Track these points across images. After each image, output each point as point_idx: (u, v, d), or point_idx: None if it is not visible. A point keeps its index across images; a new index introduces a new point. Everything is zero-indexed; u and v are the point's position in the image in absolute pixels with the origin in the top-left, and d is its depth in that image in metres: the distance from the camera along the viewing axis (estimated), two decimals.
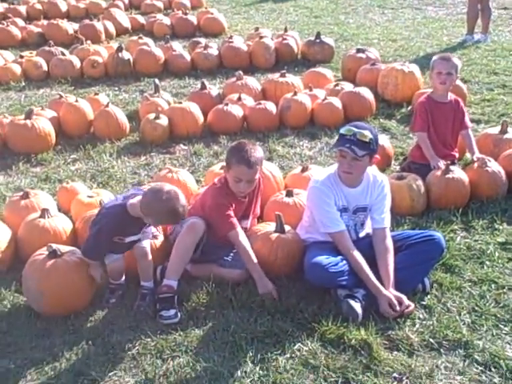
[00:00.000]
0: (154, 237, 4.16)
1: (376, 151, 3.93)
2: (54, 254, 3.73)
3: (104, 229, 3.66)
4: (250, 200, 4.27)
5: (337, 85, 7.29)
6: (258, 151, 4.08)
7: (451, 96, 5.37)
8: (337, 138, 4.00)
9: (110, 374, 3.29)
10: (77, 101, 6.68)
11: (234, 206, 4.11)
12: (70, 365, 3.36)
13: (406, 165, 5.45)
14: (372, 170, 4.07)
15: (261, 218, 4.56)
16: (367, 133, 3.81)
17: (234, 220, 4.07)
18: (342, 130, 3.90)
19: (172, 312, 3.70)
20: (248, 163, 3.97)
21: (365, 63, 7.99)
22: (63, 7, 12.76)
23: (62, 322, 3.70)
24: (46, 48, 9.18)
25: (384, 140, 5.61)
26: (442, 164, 4.98)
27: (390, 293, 3.72)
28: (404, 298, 3.72)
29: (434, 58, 5.41)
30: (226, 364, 3.33)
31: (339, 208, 3.98)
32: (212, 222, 4.07)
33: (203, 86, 7.20)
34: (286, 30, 9.94)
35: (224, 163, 4.34)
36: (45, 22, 11.25)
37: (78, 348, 3.49)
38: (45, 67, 8.76)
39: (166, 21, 11.35)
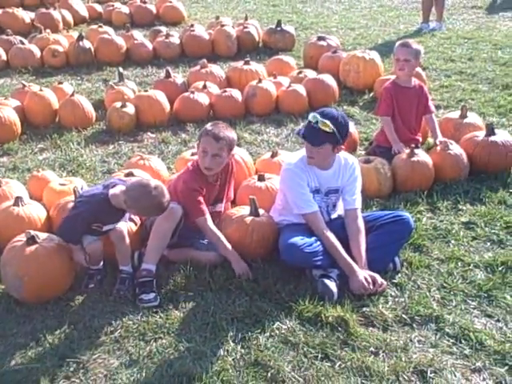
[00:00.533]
0: (131, 220, 4.21)
1: (340, 141, 3.99)
2: (32, 240, 3.74)
3: (84, 215, 3.73)
4: (222, 184, 4.34)
5: (300, 72, 7.39)
6: (228, 131, 4.16)
7: (415, 81, 5.52)
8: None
9: (95, 357, 3.34)
10: (41, 90, 6.63)
11: (204, 190, 4.17)
12: (53, 349, 3.40)
13: (372, 149, 5.59)
14: (343, 153, 4.19)
15: (233, 203, 4.64)
16: (329, 123, 3.88)
17: (203, 207, 4.14)
18: (310, 116, 3.99)
19: (152, 295, 3.76)
20: (214, 135, 4.05)
21: (326, 51, 8.11)
22: None
23: (42, 307, 3.73)
24: (4, 37, 9.03)
25: (350, 126, 5.72)
26: (403, 149, 5.13)
27: (363, 272, 3.85)
28: (377, 276, 3.85)
29: (397, 45, 5.55)
30: (208, 344, 3.41)
31: (312, 189, 4.08)
32: (183, 206, 4.14)
33: (168, 75, 7.22)
34: (246, 19, 9.99)
35: (194, 150, 4.40)
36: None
37: (60, 332, 3.52)
38: (3, 56, 8.63)
39: (125, 9, 11.26)
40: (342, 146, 4.07)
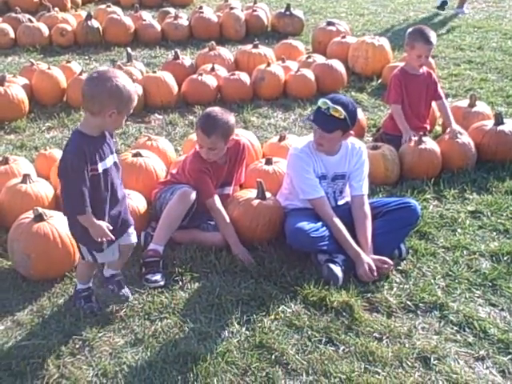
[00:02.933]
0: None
1: (350, 127, 3.99)
2: (39, 217, 3.75)
3: (71, 165, 3.06)
4: (231, 167, 4.34)
5: (309, 57, 7.36)
6: (222, 119, 4.03)
7: (424, 68, 5.49)
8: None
9: (100, 335, 3.37)
10: (49, 68, 6.62)
11: (210, 171, 4.17)
12: (59, 326, 3.42)
13: (379, 136, 5.58)
14: (350, 138, 4.17)
15: (240, 186, 4.64)
16: (341, 109, 3.87)
17: (211, 187, 4.15)
18: (320, 102, 3.97)
19: (158, 276, 3.77)
20: (204, 130, 4.03)
21: (335, 36, 8.07)
22: None
23: (48, 284, 3.75)
24: (13, 14, 9.01)
25: (358, 112, 5.72)
26: (413, 137, 5.11)
27: (369, 257, 3.86)
28: (385, 258, 3.87)
29: (413, 31, 5.41)
30: (213, 325, 3.43)
31: (318, 175, 4.08)
32: (195, 188, 4.14)
33: (176, 56, 7.20)
34: (255, 2, 9.93)
35: None
36: None
37: (66, 310, 3.55)
38: (12, 34, 8.61)
39: None
40: (352, 132, 4.06)
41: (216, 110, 4.16)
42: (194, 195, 4.02)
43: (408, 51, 5.45)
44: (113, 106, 3.03)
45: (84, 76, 6.49)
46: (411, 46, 5.32)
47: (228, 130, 4.08)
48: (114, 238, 3.27)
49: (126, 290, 3.66)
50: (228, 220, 4.09)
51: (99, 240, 3.23)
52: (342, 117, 3.87)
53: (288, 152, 4.28)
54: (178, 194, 3.99)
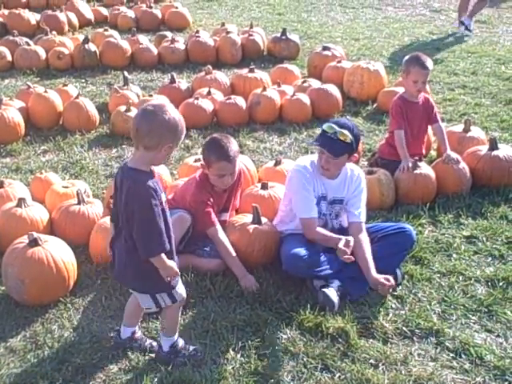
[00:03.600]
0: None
1: (355, 150, 4.04)
2: (34, 242, 3.74)
3: (148, 203, 2.97)
4: (229, 194, 4.35)
5: (304, 81, 7.40)
6: (233, 144, 4.14)
7: (422, 95, 5.51)
8: (319, 132, 4.11)
9: (94, 362, 3.35)
10: (46, 91, 6.64)
11: (212, 200, 4.17)
12: (53, 353, 3.41)
13: (374, 160, 5.60)
14: (349, 164, 4.18)
15: (236, 210, 4.63)
16: (348, 133, 3.90)
17: (213, 217, 4.15)
18: (325, 127, 3.98)
19: None
20: (228, 158, 4.04)
21: (331, 61, 8.11)
22: None
23: (42, 310, 3.74)
24: (10, 37, 9.04)
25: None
26: (410, 165, 5.11)
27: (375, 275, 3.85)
28: (389, 277, 3.85)
29: (409, 59, 5.38)
30: (208, 351, 3.41)
31: (318, 195, 4.09)
32: (193, 216, 4.15)
33: (172, 80, 7.23)
34: (251, 26, 10.00)
35: (197, 156, 4.38)
36: (5, 12, 11.04)
37: (60, 336, 3.53)
38: (9, 57, 8.63)
39: (131, 13, 11.24)
40: (356, 155, 4.09)
41: (220, 137, 4.17)
42: (189, 220, 4.02)
43: (404, 78, 5.43)
44: (170, 140, 3.01)
45: (81, 99, 6.54)
46: (407, 71, 5.31)
47: (238, 151, 4.22)
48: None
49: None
50: (232, 251, 4.06)
51: (168, 280, 3.11)
52: (349, 141, 3.90)
53: (284, 176, 4.29)
54: (174, 218, 3.97)
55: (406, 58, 5.47)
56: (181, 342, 3.37)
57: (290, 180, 4.19)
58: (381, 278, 3.80)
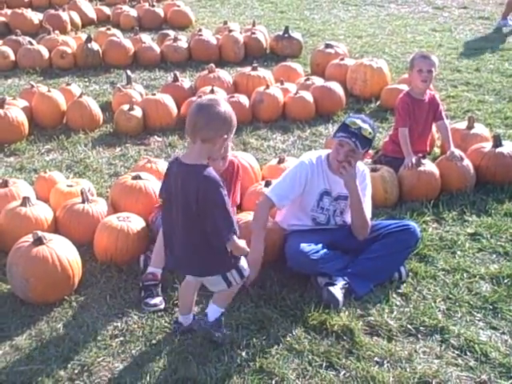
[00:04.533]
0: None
1: (371, 146, 4.07)
2: (39, 241, 3.75)
3: (223, 190, 3.14)
4: (227, 187, 4.32)
5: (307, 79, 7.40)
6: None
7: (428, 93, 5.50)
8: (339, 126, 4.10)
9: (99, 360, 3.35)
10: (49, 91, 6.65)
11: None
12: (58, 351, 3.40)
13: (378, 158, 5.59)
14: None
15: (239, 209, 4.63)
16: (370, 129, 3.92)
17: None
18: (347, 121, 3.97)
19: (157, 299, 3.76)
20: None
21: (333, 58, 8.11)
22: None
23: (47, 309, 3.74)
24: (13, 37, 9.05)
25: None
26: (414, 162, 5.11)
27: None
28: None
29: (413, 55, 5.51)
30: (213, 349, 3.41)
31: (321, 190, 4.09)
32: None
33: (175, 78, 7.24)
34: (254, 25, 10.00)
35: None
36: (8, 12, 11.05)
37: (65, 334, 3.53)
38: (12, 57, 8.64)
39: (133, 12, 11.27)
40: (370, 152, 4.09)
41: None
42: None
43: (410, 73, 5.50)
44: (225, 131, 3.14)
45: (84, 98, 6.55)
46: (411, 65, 5.40)
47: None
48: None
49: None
50: None
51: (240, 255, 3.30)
52: (371, 137, 3.92)
53: None
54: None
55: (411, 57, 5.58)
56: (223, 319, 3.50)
57: (293, 166, 4.19)
58: None
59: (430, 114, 5.46)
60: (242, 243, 3.24)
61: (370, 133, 3.90)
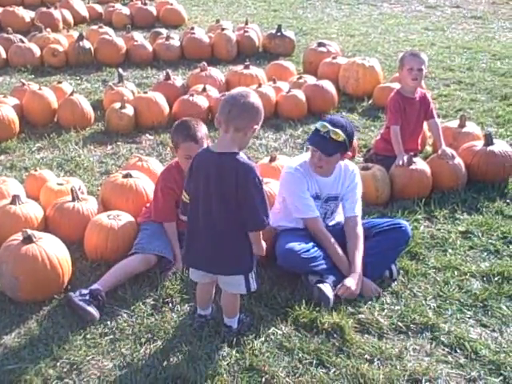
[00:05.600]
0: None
1: (348, 149, 4.02)
2: (28, 239, 3.73)
3: (259, 177, 3.22)
4: None
5: (300, 78, 7.40)
6: (201, 126, 4.18)
7: (419, 91, 5.50)
8: (312, 131, 4.09)
9: (88, 358, 3.34)
10: (40, 89, 6.62)
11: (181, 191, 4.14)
12: (47, 349, 3.39)
13: (369, 156, 5.59)
14: (344, 160, 4.18)
15: None
16: (341, 132, 3.88)
17: (173, 212, 4.18)
18: (318, 125, 3.97)
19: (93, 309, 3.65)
20: (195, 139, 4.06)
21: (326, 57, 8.11)
22: None
23: (36, 307, 3.72)
24: (5, 35, 9.03)
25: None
26: (406, 160, 5.11)
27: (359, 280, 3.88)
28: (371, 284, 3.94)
29: (403, 54, 5.51)
30: (203, 347, 3.39)
31: (312, 195, 4.07)
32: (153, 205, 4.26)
33: (167, 77, 7.22)
34: (246, 23, 9.99)
35: None
36: (0, 9, 11.01)
37: (54, 333, 3.51)
38: (3, 54, 8.62)
39: (126, 10, 11.26)
40: (349, 153, 4.08)
41: (188, 119, 4.24)
42: (153, 261, 4.05)
43: (400, 72, 5.45)
44: (256, 121, 3.22)
45: (76, 96, 6.52)
46: (401, 64, 5.38)
47: (207, 135, 4.30)
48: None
49: None
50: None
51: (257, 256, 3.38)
52: (342, 140, 3.88)
53: (279, 172, 4.28)
54: (141, 257, 4.02)
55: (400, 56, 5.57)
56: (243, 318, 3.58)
57: (283, 183, 4.18)
58: (348, 285, 3.79)
59: (421, 112, 5.45)
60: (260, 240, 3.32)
61: (339, 135, 3.87)
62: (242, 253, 3.31)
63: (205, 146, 4.05)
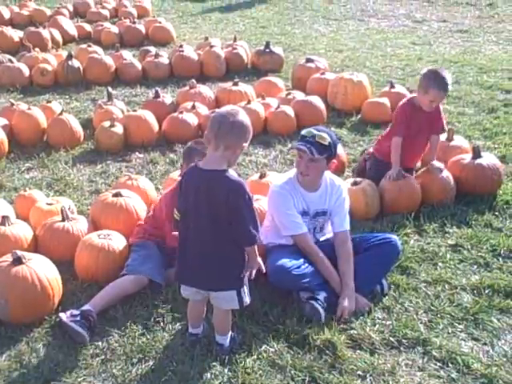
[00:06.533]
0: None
1: (334, 156, 4.06)
2: (18, 260, 3.72)
3: (249, 195, 3.26)
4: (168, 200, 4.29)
5: (289, 93, 7.43)
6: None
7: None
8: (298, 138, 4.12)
9: (80, 380, 3.32)
10: (29, 108, 6.63)
11: None
12: (38, 372, 3.37)
13: (366, 155, 5.57)
14: (329, 175, 4.20)
15: None
16: (326, 136, 3.94)
17: None
18: (303, 132, 4.03)
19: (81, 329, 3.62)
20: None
21: (314, 73, 8.16)
22: (6, 14, 12.54)
23: (27, 329, 3.70)
24: None
25: (338, 148, 5.74)
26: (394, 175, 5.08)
27: (352, 296, 3.89)
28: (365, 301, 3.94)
29: (429, 76, 5.06)
30: (195, 366, 3.39)
31: (299, 211, 4.08)
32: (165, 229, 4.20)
33: (157, 95, 7.24)
34: (235, 40, 10.04)
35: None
36: None
37: (45, 354, 3.50)
38: None
39: (114, 29, 11.29)
40: (335, 161, 4.10)
41: (197, 142, 4.24)
42: (145, 282, 4.03)
43: (420, 93, 5.13)
44: (245, 139, 3.26)
45: (65, 116, 6.53)
46: (425, 89, 5.04)
47: None
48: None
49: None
50: None
51: (248, 273, 3.39)
52: (327, 143, 3.92)
53: (269, 189, 4.29)
54: (134, 278, 4.00)
55: (426, 72, 5.17)
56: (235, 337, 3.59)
57: (270, 202, 4.20)
58: (345, 305, 3.83)
59: (429, 126, 5.26)
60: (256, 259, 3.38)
61: (325, 139, 3.91)
62: (234, 268, 3.33)
63: None
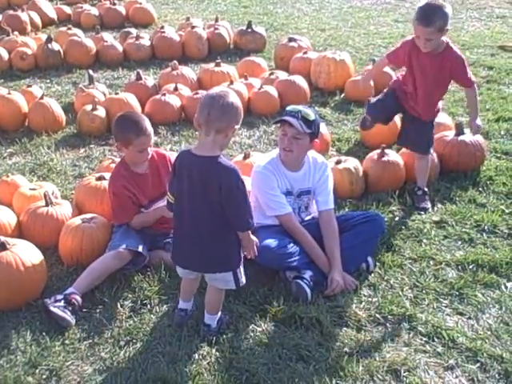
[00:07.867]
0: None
1: (317, 135, 4.07)
2: (2, 246, 3.69)
3: (241, 182, 3.22)
4: (154, 177, 4.27)
5: (271, 73, 7.40)
6: (142, 116, 4.33)
7: (444, 46, 4.61)
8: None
9: (68, 364, 3.32)
10: (9, 93, 6.54)
11: (132, 183, 4.17)
12: (25, 356, 3.36)
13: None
14: (312, 153, 4.21)
15: None
16: (311, 113, 3.96)
17: (131, 208, 4.21)
18: (288, 108, 4.04)
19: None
20: (145, 132, 4.11)
21: (297, 52, 8.13)
22: None
23: (13, 314, 3.69)
24: None
25: (322, 127, 5.74)
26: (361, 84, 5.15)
27: (340, 273, 3.91)
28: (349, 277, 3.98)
29: (416, 11, 4.42)
30: (183, 347, 3.40)
31: (283, 191, 4.09)
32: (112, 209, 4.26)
33: (139, 77, 7.18)
34: (217, 20, 9.96)
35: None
36: None
37: (32, 339, 3.48)
38: None
39: (94, 11, 11.13)
40: (317, 141, 4.09)
41: (131, 114, 4.56)
42: (128, 258, 3.99)
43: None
44: (235, 121, 3.21)
45: (46, 100, 6.46)
46: (413, 23, 4.55)
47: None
48: None
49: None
50: None
51: (245, 254, 3.42)
52: (312, 120, 3.93)
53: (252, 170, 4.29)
54: (114, 253, 3.96)
55: (418, 5, 4.50)
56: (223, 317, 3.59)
57: (253, 183, 4.19)
58: (337, 279, 3.87)
59: (434, 70, 4.63)
60: (252, 236, 3.40)
61: (310, 115, 3.93)
62: (229, 250, 3.34)
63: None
